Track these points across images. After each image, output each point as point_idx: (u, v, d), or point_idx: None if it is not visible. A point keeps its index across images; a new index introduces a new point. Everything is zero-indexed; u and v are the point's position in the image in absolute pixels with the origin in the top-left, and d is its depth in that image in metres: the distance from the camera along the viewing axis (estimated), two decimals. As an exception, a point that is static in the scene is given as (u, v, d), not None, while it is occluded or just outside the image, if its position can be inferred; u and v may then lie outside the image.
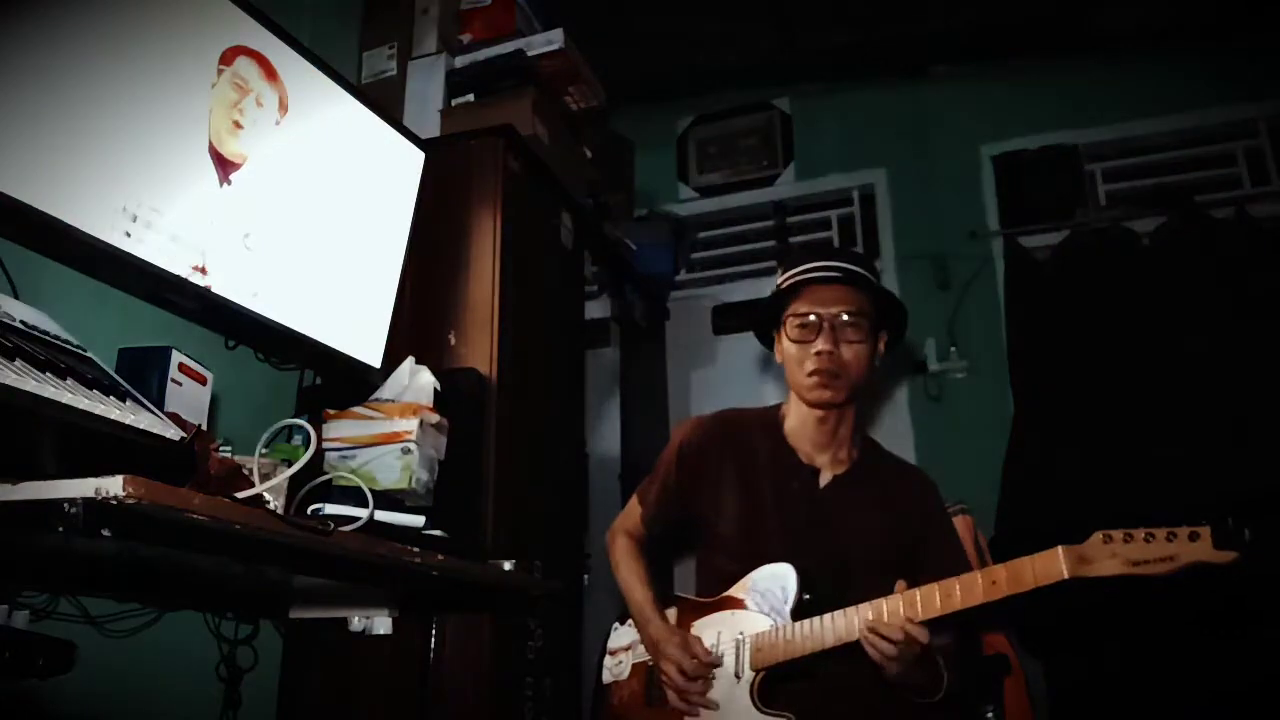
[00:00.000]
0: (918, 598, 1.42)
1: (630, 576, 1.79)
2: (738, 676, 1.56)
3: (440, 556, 1.55)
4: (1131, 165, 3.36)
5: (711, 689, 1.57)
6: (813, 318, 1.65)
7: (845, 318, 1.64)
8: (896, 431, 3.28)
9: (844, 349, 1.64)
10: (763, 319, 1.77)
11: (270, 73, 1.83)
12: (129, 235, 1.55)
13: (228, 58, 1.73)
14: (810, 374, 1.65)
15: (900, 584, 1.45)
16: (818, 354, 1.63)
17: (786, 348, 1.70)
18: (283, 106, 1.87)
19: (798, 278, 1.69)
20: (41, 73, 1.41)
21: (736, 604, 1.63)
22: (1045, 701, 2.76)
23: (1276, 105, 3.18)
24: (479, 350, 2.16)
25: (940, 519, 1.75)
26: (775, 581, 1.59)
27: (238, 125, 1.75)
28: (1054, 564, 1.31)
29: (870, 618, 1.45)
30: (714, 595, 1.69)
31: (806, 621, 1.52)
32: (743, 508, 1.71)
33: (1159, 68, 3.32)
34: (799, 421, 1.75)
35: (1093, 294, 3.09)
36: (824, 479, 1.71)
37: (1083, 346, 3.06)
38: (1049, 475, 2.94)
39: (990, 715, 2.07)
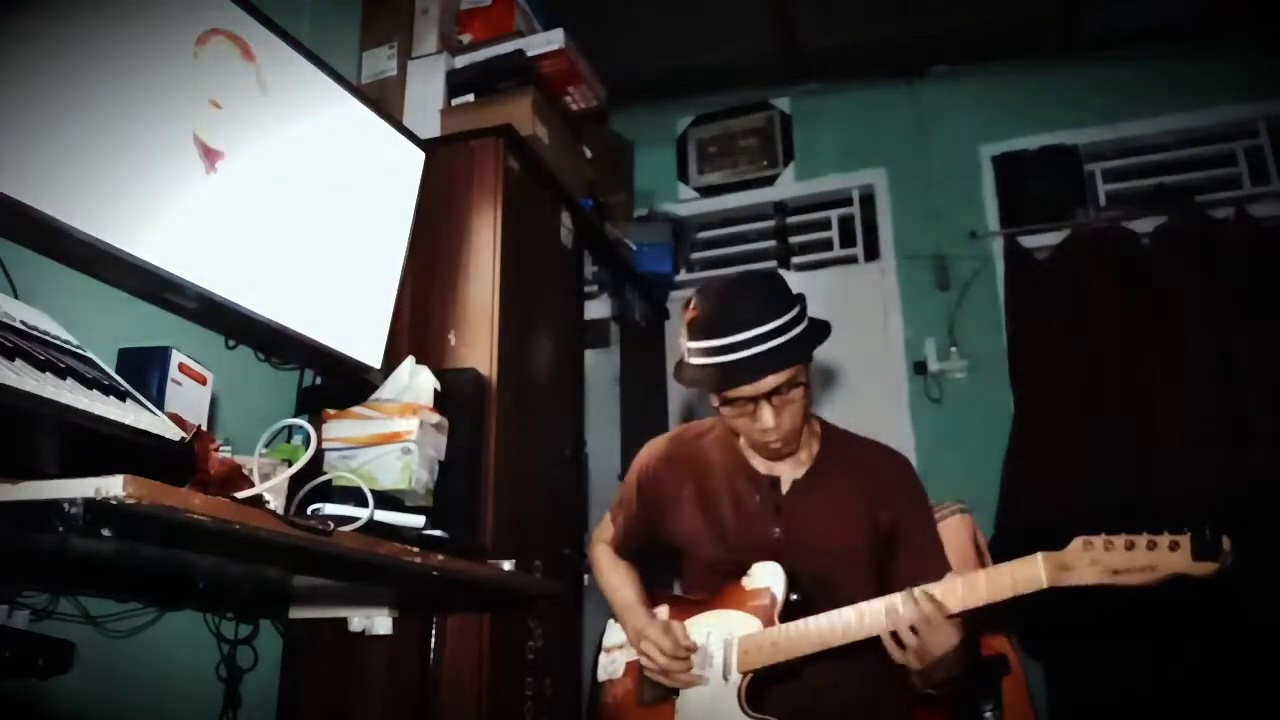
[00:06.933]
0: (898, 604, 1.39)
1: (614, 578, 1.81)
2: (726, 679, 1.56)
3: (440, 556, 1.55)
4: (1131, 165, 3.36)
5: (696, 672, 1.57)
6: (748, 398, 1.50)
7: (780, 392, 1.50)
8: (896, 431, 3.28)
9: (785, 415, 1.52)
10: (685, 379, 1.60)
11: (246, 54, 1.79)
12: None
13: (203, 39, 1.69)
14: (760, 444, 1.59)
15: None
16: (763, 429, 1.52)
17: (722, 409, 1.57)
18: (261, 88, 1.83)
19: (712, 360, 1.50)
20: (22, 70, 1.40)
21: (726, 604, 1.63)
22: (1045, 701, 2.76)
23: (1276, 105, 3.18)
24: (479, 350, 2.16)
25: (914, 495, 1.68)
26: (763, 582, 1.59)
27: (215, 105, 1.71)
28: (1033, 572, 1.30)
29: (853, 621, 1.45)
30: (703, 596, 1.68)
31: (793, 624, 1.51)
32: (709, 527, 1.68)
33: (1159, 68, 3.32)
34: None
35: (1093, 294, 3.09)
36: (785, 485, 1.66)
37: (1083, 346, 3.06)
38: (1049, 476, 2.94)
39: (990, 715, 2.07)
